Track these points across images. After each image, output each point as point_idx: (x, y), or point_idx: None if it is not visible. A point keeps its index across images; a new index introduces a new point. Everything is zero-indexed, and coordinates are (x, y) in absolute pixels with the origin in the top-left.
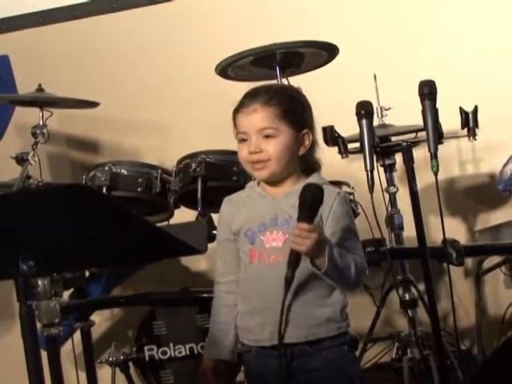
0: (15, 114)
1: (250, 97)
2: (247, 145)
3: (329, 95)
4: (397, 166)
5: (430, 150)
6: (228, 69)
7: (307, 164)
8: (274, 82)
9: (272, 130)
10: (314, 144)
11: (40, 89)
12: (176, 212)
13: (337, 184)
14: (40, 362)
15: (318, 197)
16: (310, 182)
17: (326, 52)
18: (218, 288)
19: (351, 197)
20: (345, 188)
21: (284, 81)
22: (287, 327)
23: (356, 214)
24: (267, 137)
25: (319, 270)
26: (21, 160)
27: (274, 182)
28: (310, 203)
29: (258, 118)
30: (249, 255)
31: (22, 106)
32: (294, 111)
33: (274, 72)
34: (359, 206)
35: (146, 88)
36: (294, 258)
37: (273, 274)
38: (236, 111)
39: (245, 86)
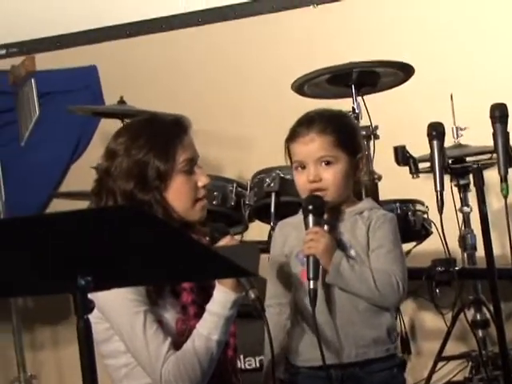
0: (102, 123)
1: (305, 125)
2: (305, 173)
3: (403, 114)
4: (471, 186)
5: (499, 173)
6: (304, 86)
7: (360, 187)
8: (323, 107)
9: (330, 157)
10: (365, 167)
11: (121, 101)
12: (251, 225)
13: (411, 202)
14: (95, 375)
15: (319, 203)
16: (361, 206)
17: (402, 72)
18: (268, 310)
19: (425, 215)
20: (419, 207)
21: (359, 99)
22: (336, 347)
23: (429, 233)
24: (325, 165)
25: None
26: None
27: (330, 207)
28: (315, 209)
29: (316, 146)
30: (300, 276)
31: (104, 117)
32: (349, 137)
33: (349, 90)
34: (433, 225)
35: (227, 102)
36: (314, 266)
37: (323, 293)
38: (290, 140)
39: (321, 104)
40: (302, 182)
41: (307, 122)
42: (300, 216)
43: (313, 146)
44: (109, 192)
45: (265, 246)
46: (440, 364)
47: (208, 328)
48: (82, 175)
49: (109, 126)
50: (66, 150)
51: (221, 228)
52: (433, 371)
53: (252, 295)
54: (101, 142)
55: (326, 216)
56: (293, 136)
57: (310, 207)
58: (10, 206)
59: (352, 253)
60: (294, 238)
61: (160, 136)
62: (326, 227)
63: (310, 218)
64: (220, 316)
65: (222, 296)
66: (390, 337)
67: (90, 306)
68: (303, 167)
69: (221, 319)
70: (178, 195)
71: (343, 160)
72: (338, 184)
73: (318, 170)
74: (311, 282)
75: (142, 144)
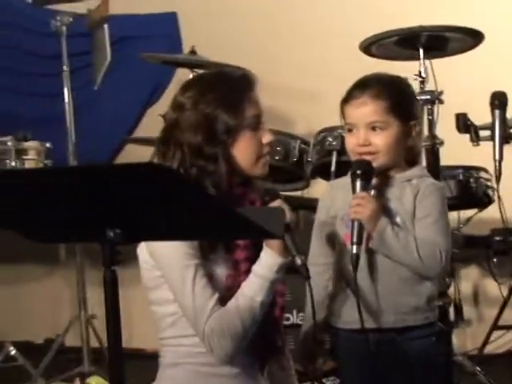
0: (181, 71)
1: (360, 89)
2: (355, 136)
3: (469, 81)
4: None
5: None
6: (372, 46)
7: (412, 154)
8: (382, 72)
9: (381, 123)
10: (419, 134)
11: (192, 51)
12: (313, 182)
13: (474, 169)
14: (119, 324)
15: (367, 168)
16: (410, 173)
17: (471, 38)
18: (310, 269)
19: (488, 183)
20: (482, 174)
21: (427, 63)
22: (376, 312)
23: (491, 201)
24: (375, 130)
25: None
26: None
27: (378, 172)
28: (363, 174)
29: (368, 111)
30: (344, 239)
31: (176, 67)
32: (403, 104)
33: (416, 53)
34: (495, 193)
35: (296, 57)
36: (358, 231)
37: (366, 258)
38: (345, 102)
39: (387, 65)
40: (352, 144)
41: (362, 86)
42: (349, 178)
43: (365, 109)
44: (176, 143)
45: None
46: (500, 333)
47: (253, 290)
48: (153, 122)
49: (182, 76)
50: (140, 96)
51: (272, 191)
52: (487, 339)
53: (298, 261)
54: (175, 90)
55: (374, 181)
56: (347, 98)
57: (359, 172)
58: (81, 150)
59: (398, 220)
60: (341, 201)
61: (229, 91)
62: (373, 192)
63: (358, 182)
64: (265, 279)
65: (269, 259)
66: (429, 305)
67: (117, 258)
68: (354, 130)
69: (266, 282)
70: (244, 151)
71: (394, 126)
72: (388, 150)
73: (368, 134)
74: (354, 247)
75: (211, 98)
